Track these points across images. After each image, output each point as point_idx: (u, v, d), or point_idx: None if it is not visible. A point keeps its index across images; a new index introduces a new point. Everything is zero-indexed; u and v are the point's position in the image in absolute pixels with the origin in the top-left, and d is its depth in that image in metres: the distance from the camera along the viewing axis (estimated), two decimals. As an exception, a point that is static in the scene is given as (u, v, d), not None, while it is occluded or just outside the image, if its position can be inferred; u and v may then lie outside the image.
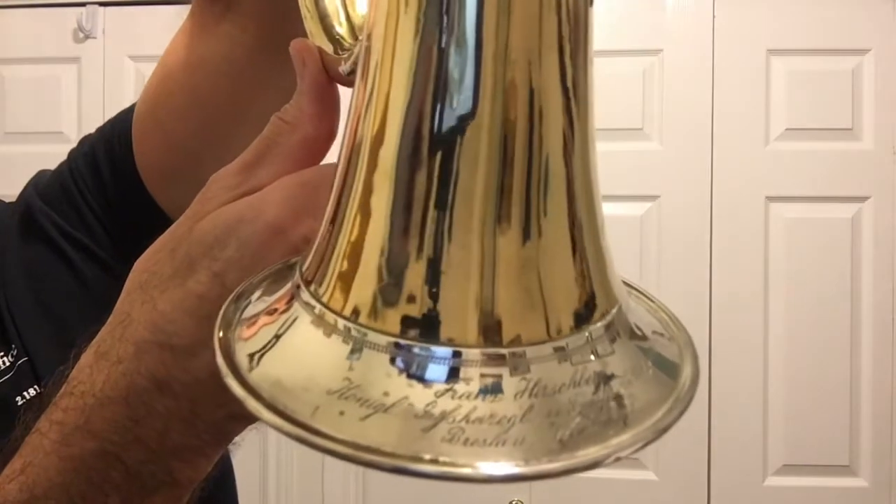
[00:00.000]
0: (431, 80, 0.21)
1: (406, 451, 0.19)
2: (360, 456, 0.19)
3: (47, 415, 0.35)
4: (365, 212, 0.22)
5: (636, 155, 1.67)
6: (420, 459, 0.19)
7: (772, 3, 1.68)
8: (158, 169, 0.55)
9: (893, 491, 1.62)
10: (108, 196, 0.58)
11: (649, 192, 1.67)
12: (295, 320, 0.23)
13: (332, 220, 0.23)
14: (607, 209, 0.23)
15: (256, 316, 0.24)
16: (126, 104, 0.60)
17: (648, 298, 0.27)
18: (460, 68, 0.20)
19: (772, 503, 1.64)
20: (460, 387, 0.20)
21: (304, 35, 0.34)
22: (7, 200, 0.66)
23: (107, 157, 0.58)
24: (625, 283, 0.25)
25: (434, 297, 0.21)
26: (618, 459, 0.20)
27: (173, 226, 0.34)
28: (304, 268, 0.24)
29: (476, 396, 0.20)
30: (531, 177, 0.21)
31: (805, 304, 1.65)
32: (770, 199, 1.67)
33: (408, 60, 0.21)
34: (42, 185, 0.61)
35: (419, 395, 0.20)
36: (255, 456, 1.70)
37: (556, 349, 0.21)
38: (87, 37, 1.76)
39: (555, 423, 0.20)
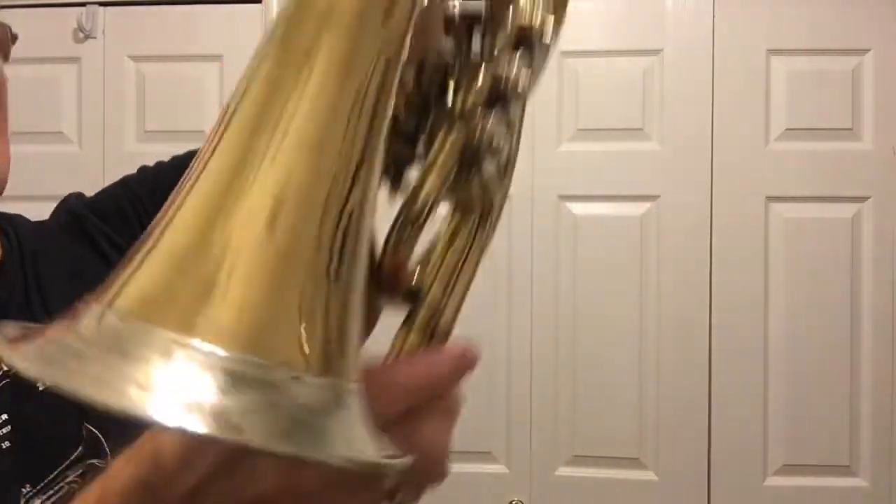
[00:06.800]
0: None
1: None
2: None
3: None
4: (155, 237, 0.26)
5: (636, 155, 1.66)
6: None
7: (772, 3, 1.68)
8: None
9: (893, 491, 1.62)
10: None
11: (649, 192, 1.67)
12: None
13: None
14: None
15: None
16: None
17: None
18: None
19: (772, 503, 1.64)
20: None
21: None
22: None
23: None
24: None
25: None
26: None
27: None
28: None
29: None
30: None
31: (805, 304, 1.65)
32: (770, 199, 1.67)
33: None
34: (92, 203, 0.67)
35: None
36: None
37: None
38: (87, 37, 1.76)
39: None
